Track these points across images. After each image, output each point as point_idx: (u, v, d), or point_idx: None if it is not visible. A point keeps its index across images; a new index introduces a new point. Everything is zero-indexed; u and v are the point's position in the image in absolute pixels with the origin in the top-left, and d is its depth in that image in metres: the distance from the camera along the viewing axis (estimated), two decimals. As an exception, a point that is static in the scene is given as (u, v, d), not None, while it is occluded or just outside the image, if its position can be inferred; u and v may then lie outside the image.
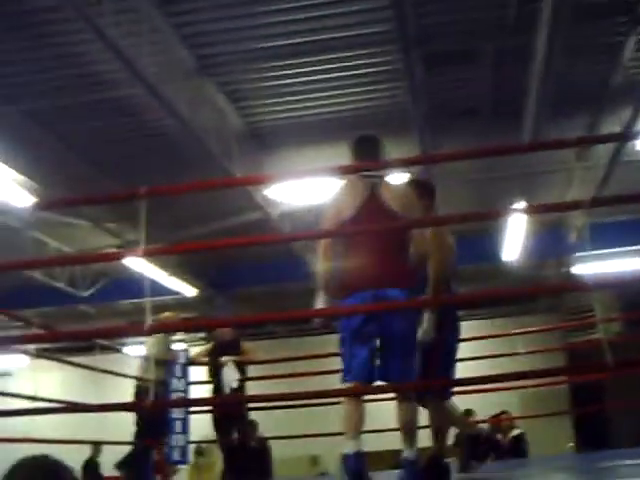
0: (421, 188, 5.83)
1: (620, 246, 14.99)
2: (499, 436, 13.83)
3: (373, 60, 9.29)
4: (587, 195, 11.65)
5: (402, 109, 9.84)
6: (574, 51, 8.92)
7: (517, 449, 13.39)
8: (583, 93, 10.28)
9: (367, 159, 5.35)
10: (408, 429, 5.00)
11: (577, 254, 15.05)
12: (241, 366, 10.08)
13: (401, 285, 4.99)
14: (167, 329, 9.24)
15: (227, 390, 9.77)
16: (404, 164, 9.56)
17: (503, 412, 14.13)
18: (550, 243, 15.06)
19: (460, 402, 7.52)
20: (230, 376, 9.86)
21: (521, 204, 11.27)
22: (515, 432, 13.72)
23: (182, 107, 8.81)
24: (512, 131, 10.03)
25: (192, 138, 9.38)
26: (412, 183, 5.80)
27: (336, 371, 11.53)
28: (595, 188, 11.84)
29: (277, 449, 15.13)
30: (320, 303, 5.18)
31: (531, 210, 10.78)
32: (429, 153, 10.35)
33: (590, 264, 14.47)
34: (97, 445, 14.57)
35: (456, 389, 6.45)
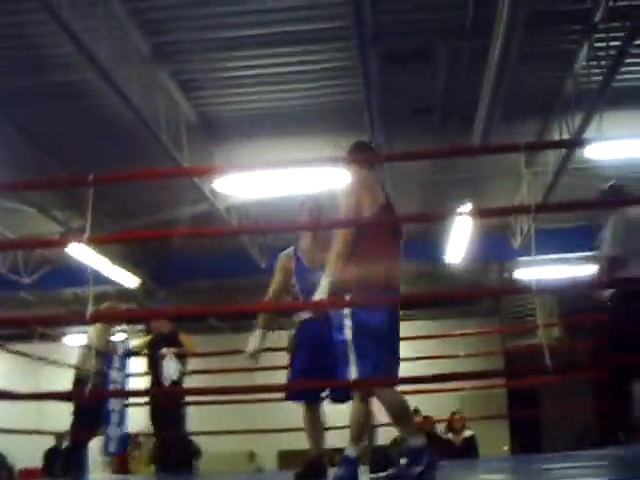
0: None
1: (564, 252, 15.15)
2: (450, 435, 13.90)
3: (328, 55, 9.27)
4: (534, 201, 11.86)
5: (355, 106, 9.83)
6: (528, 57, 8.98)
7: (469, 450, 13.47)
8: (535, 99, 10.37)
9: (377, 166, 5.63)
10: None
11: (520, 259, 15.19)
12: (181, 359, 10.03)
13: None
14: (108, 319, 9.15)
15: (168, 382, 9.71)
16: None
17: (454, 413, 14.20)
18: (494, 247, 15.18)
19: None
20: (171, 368, 9.80)
21: (467, 207, 11.33)
22: (467, 433, 13.80)
23: (135, 94, 8.70)
24: (464, 133, 10.08)
25: (143, 126, 9.28)
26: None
27: (276, 367, 11.54)
28: (543, 194, 11.94)
29: (213, 444, 15.07)
30: (327, 293, 5.07)
31: (477, 213, 10.83)
32: (380, 152, 10.36)
33: (533, 269, 14.59)
34: (60, 435, 14.35)
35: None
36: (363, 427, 5.20)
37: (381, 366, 5.00)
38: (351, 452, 5.04)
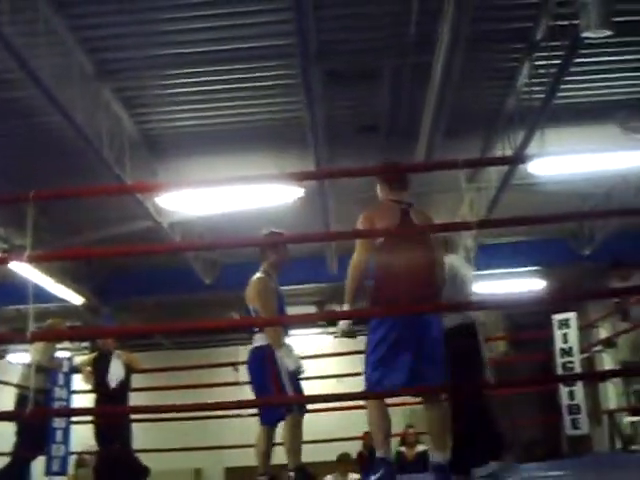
0: None
1: (507, 267, 15.31)
2: (403, 449, 13.92)
3: (272, 73, 9.29)
4: (477, 216, 11.96)
5: (300, 123, 9.86)
6: (471, 74, 9.07)
7: (422, 465, 13.48)
8: (479, 116, 10.48)
9: (397, 183, 5.79)
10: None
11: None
12: (126, 375, 9.99)
13: None
14: (50, 337, 9.07)
15: (114, 383, 9.68)
16: (298, 178, 9.63)
17: (410, 426, 14.22)
18: (439, 262, 15.23)
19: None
20: (118, 368, 9.78)
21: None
22: (420, 448, 13.81)
23: (77, 111, 8.63)
24: (408, 150, 10.15)
25: (86, 143, 9.20)
26: None
27: (223, 384, 11.50)
28: (486, 210, 12.05)
29: (159, 462, 14.94)
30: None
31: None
32: (323, 169, 10.40)
33: (477, 284, 14.69)
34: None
35: (337, 405, 6.78)
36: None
37: (371, 380, 5.41)
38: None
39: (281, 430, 6.94)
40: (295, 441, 6.81)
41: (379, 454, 5.39)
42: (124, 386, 9.98)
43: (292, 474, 6.83)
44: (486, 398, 6.83)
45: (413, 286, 5.35)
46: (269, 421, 6.93)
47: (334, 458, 12.90)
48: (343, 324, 5.70)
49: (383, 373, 5.38)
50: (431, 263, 5.55)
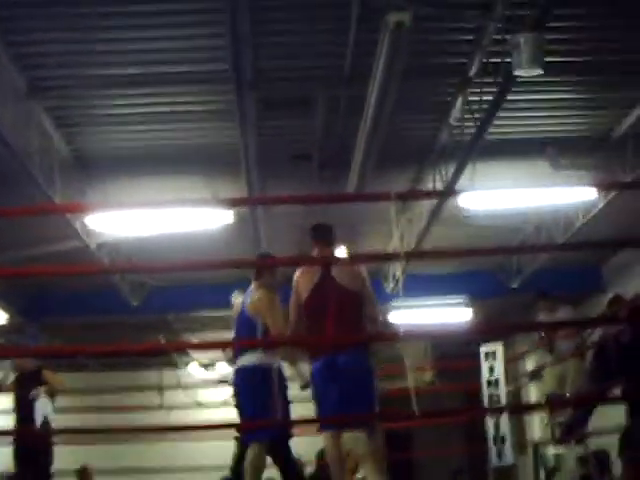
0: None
1: (436, 298, 15.40)
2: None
3: (207, 98, 9.24)
4: (408, 247, 12.04)
5: (233, 149, 9.81)
6: (404, 106, 9.09)
7: None
8: (411, 148, 10.54)
9: (322, 241, 6.47)
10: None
11: (393, 303, 15.35)
12: (50, 397, 9.85)
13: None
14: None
15: (39, 422, 9.52)
16: (230, 203, 9.61)
17: (347, 453, 14.10)
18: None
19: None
20: (45, 408, 9.63)
21: (342, 252, 11.42)
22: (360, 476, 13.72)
23: (7, 129, 8.49)
24: (341, 179, 10.19)
25: (15, 161, 9.06)
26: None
27: (147, 408, 11.38)
28: (416, 241, 12.12)
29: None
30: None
31: (351, 259, 10.97)
32: (254, 195, 10.37)
33: (404, 313, 14.78)
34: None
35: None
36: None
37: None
38: None
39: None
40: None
41: None
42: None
43: None
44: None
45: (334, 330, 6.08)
46: (264, 438, 7.00)
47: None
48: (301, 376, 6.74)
49: (320, 411, 6.22)
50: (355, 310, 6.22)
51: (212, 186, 10.11)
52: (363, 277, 6.40)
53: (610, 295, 9.49)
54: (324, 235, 6.60)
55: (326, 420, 6.20)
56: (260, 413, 6.88)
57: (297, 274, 6.35)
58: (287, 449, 7.35)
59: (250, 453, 6.99)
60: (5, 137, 8.53)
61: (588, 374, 9.27)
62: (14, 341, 15.72)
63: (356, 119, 8.88)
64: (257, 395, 6.92)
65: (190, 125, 9.89)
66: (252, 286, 7.31)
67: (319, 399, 6.20)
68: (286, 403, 7.18)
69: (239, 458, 8.04)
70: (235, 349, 7.17)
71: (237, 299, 8.10)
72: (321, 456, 11.51)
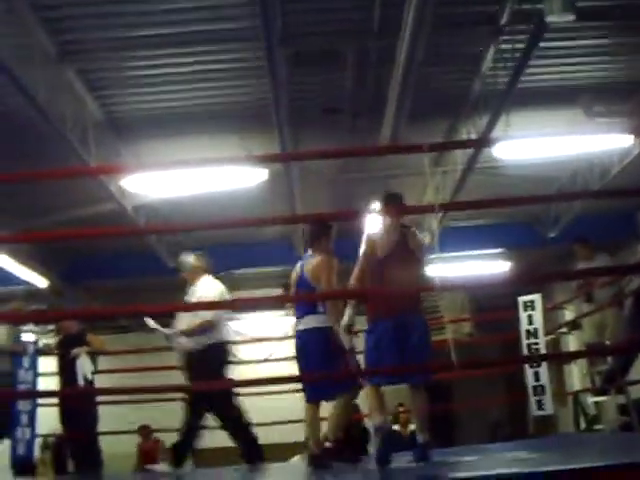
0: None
1: (473, 250, 15.38)
2: (397, 427, 13.94)
3: (236, 55, 9.23)
4: (443, 199, 12.00)
5: (264, 105, 9.81)
6: (435, 57, 9.07)
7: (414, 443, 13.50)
8: (444, 99, 10.47)
9: (392, 207, 6.85)
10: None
11: (430, 256, 15.32)
12: (91, 359, 9.96)
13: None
14: (13, 320, 9.02)
15: (82, 382, 9.64)
16: (263, 160, 9.61)
17: (400, 404, 14.18)
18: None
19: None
20: (85, 368, 9.73)
21: (377, 206, 11.41)
22: (412, 427, 13.83)
23: (39, 93, 8.54)
24: (373, 133, 10.16)
25: (49, 126, 9.13)
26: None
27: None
28: (451, 193, 12.08)
29: (125, 444, 14.93)
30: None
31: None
32: (287, 151, 10.37)
33: (442, 266, 14.75)
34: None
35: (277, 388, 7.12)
36: None
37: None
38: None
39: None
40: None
41: (377, 423, 6.46)
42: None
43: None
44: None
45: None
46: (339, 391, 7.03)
47: (300, 439, 12.92)
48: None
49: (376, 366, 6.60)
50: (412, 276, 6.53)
51: (245, 144, 10.12)
52: (423, 247, 6.89)
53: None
54: (395, 202, 6.86)
55: (385, 372, 6.64)
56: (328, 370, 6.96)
57: (374, 233, 6.76)
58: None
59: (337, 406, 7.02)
60: (38, 102, 8.60)
61: (627, 322, 9.24)
62: (55, 305, 15.93)
63: (387, 71, 8.85)
64: (321, 355, 6.92)
65: (221, 83, 9.90)
66: (310, 251, 7.30)
67: (379, 356, 6.50)
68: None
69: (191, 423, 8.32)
70: (296, 313, 7.19)
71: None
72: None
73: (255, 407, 11.29)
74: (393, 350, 6.41)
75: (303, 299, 7.11)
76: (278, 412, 11.04)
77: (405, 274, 6.46)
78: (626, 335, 9.25)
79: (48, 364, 10.38)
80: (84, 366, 9.73)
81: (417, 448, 6.53)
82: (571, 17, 7.32)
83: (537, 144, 10.32)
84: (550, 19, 7.37)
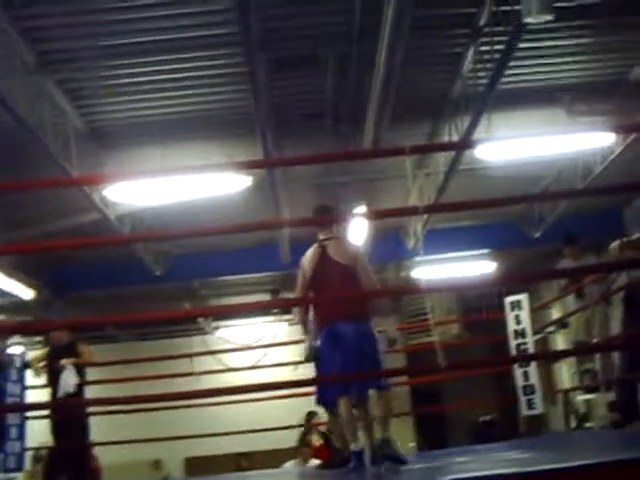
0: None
1: (458, 251, 15.40)
2: None
3: (217, 62, 9.21)
4: (427, 201, 12.02)
5: (246, 112, 9.81)
6: (415, 60, 9.08)
7: None
8: (425, 101, 10.50)
9: (320, 226, 6.97)
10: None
11: (415, 259, 15.35)
12: (80, 370, 9.92)
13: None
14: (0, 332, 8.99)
15: (61, 394, 9.59)
16: (247, 167, 9.61)
17: None
18: (389, 248, 15.32)
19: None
20: (68, 380, 9.68)
21: (361, 209, 11.44)
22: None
23: (20, 104, 8.50)
24: (355, 136, 10.17)
25: (30, 136, 9.09)
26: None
27: (177, 375, 11.47)
28: (434, 195, 12.09)
29: (118, 453, 14.90)
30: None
31: (371, 215, 10.97)
32: (271, 157, 10.36)
33: (428, 268, 14.79)
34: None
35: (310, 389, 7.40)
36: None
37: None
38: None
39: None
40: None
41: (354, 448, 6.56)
42: (79, 385, 9.90)
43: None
44: None
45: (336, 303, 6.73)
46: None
47: (291, 445, 12.92)
48: (305, 349, 6.96)
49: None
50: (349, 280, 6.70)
51: (228, 150, 10.11)
52: (356, 253, 6.95)
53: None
54: (320, 215, 7.10)
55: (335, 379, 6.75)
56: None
57: (304, 258, 6.93)
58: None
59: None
60: (18, 112, 8.55)
61: (621, 321, 9.24)
62: (41, 316, 15.88)
63: (368, 75, 8.85)
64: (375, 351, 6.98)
65: (202, 90, 9.89)
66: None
67: (326, 366, 6.74)
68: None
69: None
70: None
71: None
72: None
73: (246, 414, 11.35)
74: (343, 356, 6.54)
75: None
76: (269, 419, 11.07)
77: (333, 286, 6.67)
78: (618, 331, 9.25)
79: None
80: (67, 379, 9.69)
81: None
82: (549, 17, 7.33)
83: (519, 144, 10.34)
84: (528, 20, 7.37)
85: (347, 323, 6.57)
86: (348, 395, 6.56)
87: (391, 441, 6.60)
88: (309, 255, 6.92)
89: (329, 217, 7.26)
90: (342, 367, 6.51)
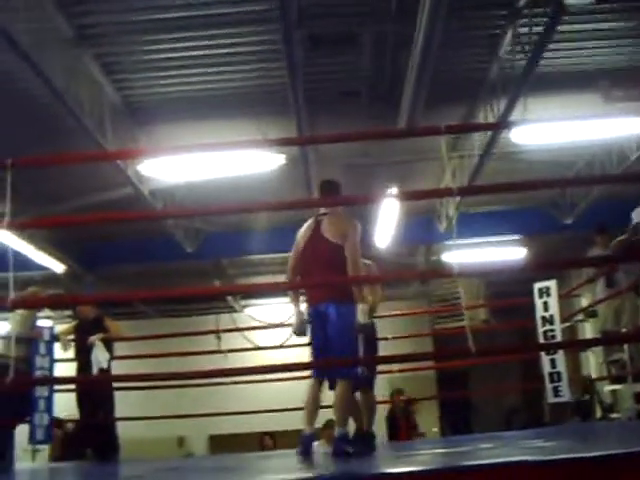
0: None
1: (490, 236, 15.33)
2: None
3: (254, 38, 9.21)
4: (460, 184, 11.96)
5: (281, 89, 9.79)
6: (453, 41, 9.01)
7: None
8: (461, 83, 10.44)
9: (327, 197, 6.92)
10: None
11: (446, 242, 15.32)
12: (108, 345, 9.97)
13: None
14: (30, 305, 9.02)
15: (96, 370, 9.65)
16: (281, 143, 9.59)
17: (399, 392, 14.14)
18: (421, 231, 15.29)
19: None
20: (100, 357, 9.74)
21: (394, 190, 11.39)
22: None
23: (56, 77, 8.54)
24: (390, 117, 10.11)
25: (65, 110, 9.12)
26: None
27: (204, 352, 11.48)
28: (468, 178, 12.04)
29: (142, 429, 14.99)
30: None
31: (403, 196, 10.93)
32: (305, 135, 10.34)
33: (458, 252, 14.73)
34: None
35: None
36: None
37: None
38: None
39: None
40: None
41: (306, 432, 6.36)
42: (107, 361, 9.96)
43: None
44: None
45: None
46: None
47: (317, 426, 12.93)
48: (294, 326, 6.73)
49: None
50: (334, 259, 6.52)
51: (262, 128, 10.08)
52: (347, 229, 6.64)
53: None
54: (328, 192, 6.94)
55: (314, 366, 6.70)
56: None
57: (300, 231, 6.84)
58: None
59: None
60: (55, 85, 8.59)
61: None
62: (72, 290, 15.96)
63: (404, 54, 8.80)
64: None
65: (238, 67, 9.88)
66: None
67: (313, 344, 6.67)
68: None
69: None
70: None
71: None
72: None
73: (272, 393, 11.34)
74: (316, 339, 6.55)
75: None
76: (295, 398, 11.08)
77: (318, 264, 6.53)
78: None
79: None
80: (98, 356, 9.75)
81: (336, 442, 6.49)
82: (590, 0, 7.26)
83: (555, 129, 10.26)
84: (569, 1, 7.31)
85: (323, 305, 6.48)
86: (317, 378, 6.49)
87: (370, 436, 6.72)
88: (304, 229, 6.84)
89: (333, 191, 6.97)
90: (314, 348, 6.57)
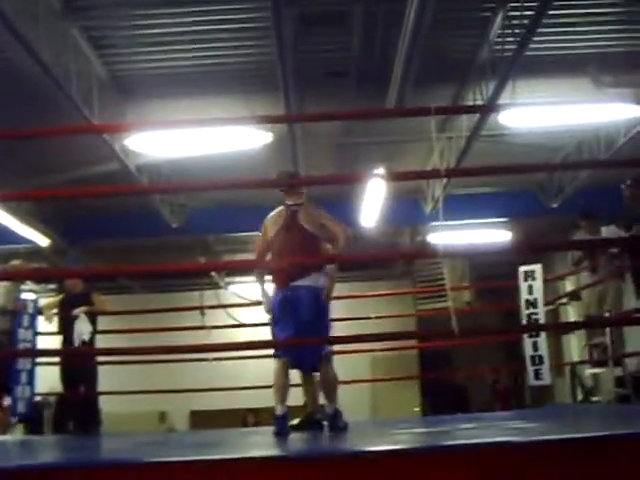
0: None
1: (476, 218, 15.35)
2: None
3: (243, 16, 9.14)
4: (447, 166, 11.96)
5: (269, 67, 9.74)
6: (443, 22, 9.01)
7: None
8: (451, 65, 10.41)
9: (287, 192, 6.86)
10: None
11: (432, 224, 15.34)
12: (92, 319, 9.96)
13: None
14: (14, 277, 9.00)
15: (78, 342, 9.65)
16: (268, 121, 9.55)
17: None
18: (406, 211, 15.30)
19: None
20: (82, 328, 9.73)
21: (380, 170, 11.37)
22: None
23: (44, 50, 8.46)
24: (378, 97, 10.08)
25: (53, 83, 9.06)
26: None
27: (188, 328, 11.47)
28: (456, 160, 12.03)
29: (124, 404, 14.99)
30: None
31: (389, 177, 10.92)
32: (292, 113, 10.31)
33: (444, 234, 14.75)
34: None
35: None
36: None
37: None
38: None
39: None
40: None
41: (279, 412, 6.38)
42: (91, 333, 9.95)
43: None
44: None
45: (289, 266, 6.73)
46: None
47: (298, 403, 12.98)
48: (265, 305, 6.84)
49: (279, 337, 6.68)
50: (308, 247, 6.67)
51: (250, 105, 10.05)
52: (320, 217, 6.82)
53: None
54: (290, 184, 6.98)
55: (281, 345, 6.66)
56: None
57: (265, 221, 6.89)
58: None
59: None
60: (42, 58, 8.51)
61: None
62: (57, 264, 15.92)
63: (394, 34, 8.78)
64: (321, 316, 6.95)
65: (227, 44, 9.81)
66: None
67: (277, 327, 6.69)
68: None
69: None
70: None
71: None
72: None
73: (255, 370, 11.32)
74: (286, 322, 6.57)
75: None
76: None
77: (293, 248, 6.61)
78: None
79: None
80: (81, 327, 9.74)
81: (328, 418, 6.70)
82: (581, -16, 7.24)
83: (543, 112, 10.26)
84: (560, -14, 7.29)
85: (298, 289, 6.56)
86: (282, 358, 6.54)
87: (336, 414, 6.69)
88: (274, 217, 6.86)
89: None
90: (284, 330, 6.57)
